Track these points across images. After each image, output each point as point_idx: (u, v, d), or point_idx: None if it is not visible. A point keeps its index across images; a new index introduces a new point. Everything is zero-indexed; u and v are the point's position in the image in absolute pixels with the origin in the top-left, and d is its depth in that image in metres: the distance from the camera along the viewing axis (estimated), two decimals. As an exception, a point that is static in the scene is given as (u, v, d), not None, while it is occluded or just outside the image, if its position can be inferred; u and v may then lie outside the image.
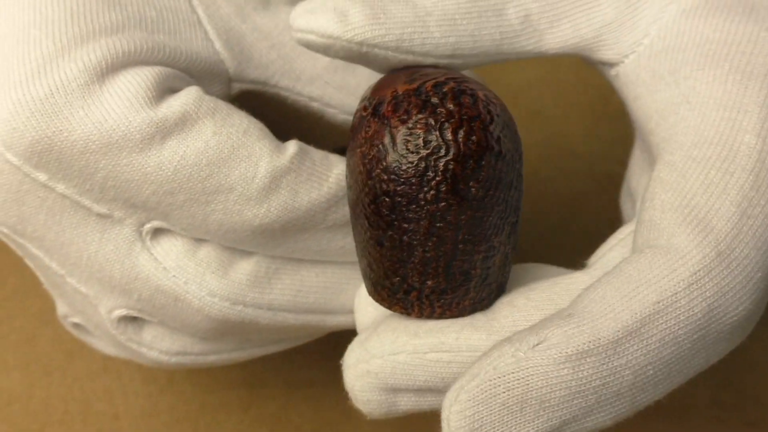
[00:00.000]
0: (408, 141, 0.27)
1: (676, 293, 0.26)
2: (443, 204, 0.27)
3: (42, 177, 0.29)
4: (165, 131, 0.29)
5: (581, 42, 0.30)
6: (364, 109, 0.28)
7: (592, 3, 0.30)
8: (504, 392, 0.25)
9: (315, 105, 0.35)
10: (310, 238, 0.31)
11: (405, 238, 0.27)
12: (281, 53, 0.34)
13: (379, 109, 0.28)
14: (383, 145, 0.27)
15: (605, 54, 0.30)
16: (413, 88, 0.27)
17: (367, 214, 0.28)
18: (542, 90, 0.48)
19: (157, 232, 0.31)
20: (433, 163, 0.27)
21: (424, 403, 0.29)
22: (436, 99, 0.27)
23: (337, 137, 0.36)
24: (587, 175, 0.47)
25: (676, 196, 0.27)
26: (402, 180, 0.27)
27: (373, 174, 0.27)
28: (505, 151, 0.27)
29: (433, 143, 0.27)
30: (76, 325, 0.35)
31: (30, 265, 0.33)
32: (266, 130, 0.31)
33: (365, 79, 0.35)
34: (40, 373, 0.40)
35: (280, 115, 0.36)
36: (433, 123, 0.27)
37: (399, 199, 0.27)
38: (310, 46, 0.29)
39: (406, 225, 0.27)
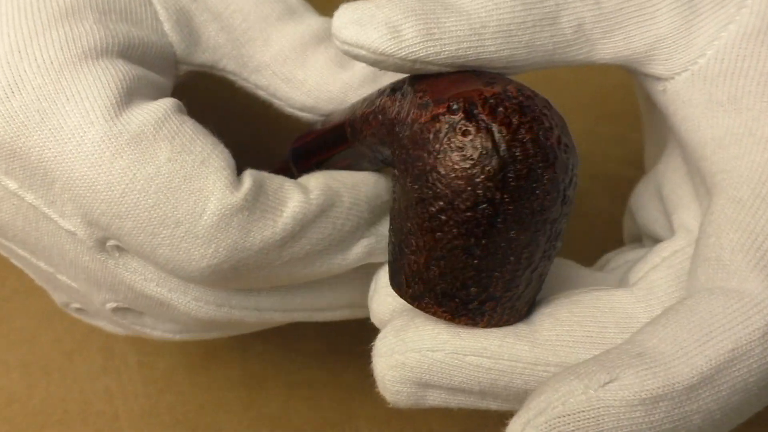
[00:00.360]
0: (515, 146, 0.26)
1: (750, 342, 0.26)
2: (551, 213, 0.27)
3: (12, 185, 0.28)
4: (118, 148, 0.27)
5: (632, 55, 0.29)
6: (448, 110, 0.26)
7: (647, 15, 0.29)
8: (573, 431, 0.25)
9: (261, 93, 0.34)
10: (268, 275, 0.30)
11: (503, 245, 0.26)
12: (231, 37, 0.33)
13: (473, 112, 0.26)
14: (488, 151, 0.26)
15: (655, 69, 0.29)
16: (499, 92, 0.26)
17: (458, 221, 0.26)
18: (542, 90, 0.48)
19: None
20: (540, 171, 0.26)
21: (454, 401, 0.29)
22: (527, 103, 0.26)
23: (291, 125, 0.35)
24: (587, 175, 0.47)
25: (746, 237, 0.27)
26: (510, 187, 0.26)
27: (476, 180, 0.26)
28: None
29: (540, 149, 0.26)
30: (79, 310, 0.35)
31: (18, 264, 0.33)
32: (229, 160, 0.29)
33: (315, 75, 0.33)
34: (40, 373, 0.40)
35: (232, 97, 0.35)
36: (536, 129, 0.26)
37: (505, 207, 0.26)
38: (357, 58, 0.28)
39: (510, 234, 0.26)
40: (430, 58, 0.27)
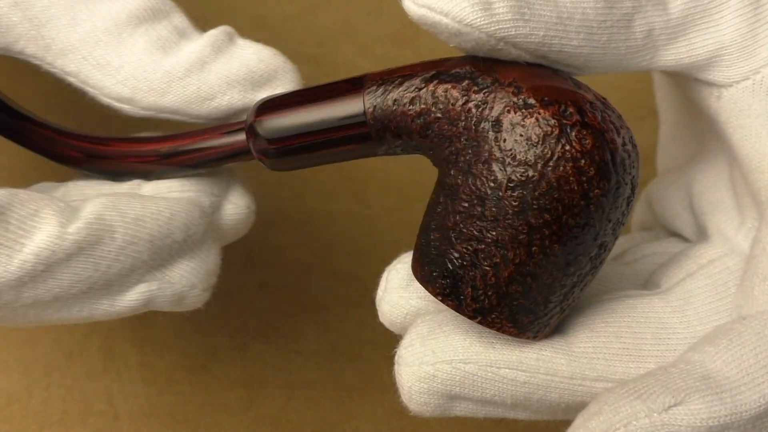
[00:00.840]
0: (624, 160, 0.25)
1: None
2: (623, 226, 0.26)
3: None
4: None
5: (694, 62, 0.28)
6: (561, 115, 0.25)
7: (711, 23, 0.28)
8: None
9: (71, 80, 0.30)
10: (8, 316, 0.27)
11: (588, 260, 0.26)
12: (28, 15, 0.29)
13: (585, 120, 0.25)
14: (605, 164, 0.25)
15: (714, 75, 0.28)
16: (594, 99, 0.25)
17: (561, 237, 0.25)
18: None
19: None
20: (631, 183, 0.26)
21: (482, 411, 0.28)
22: (617, 112, 0.26)
23: (111, 115, 0.32)
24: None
25: None
26: (617, 204, 0.25)
27: (590, 195, 0.25)
28: None
29: (636, 162, 0.25)
30: None
31: None
32: None
33: (132, 61, 0.30)
34: (40, 374, 0.40)
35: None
36: (632, 141, 0.25)
37: (605, 223, 0.25)
38: (432, 27, 0.26)
39: (594, 249, 0.26)
40: (518, 39, 0.26)
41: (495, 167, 0.25)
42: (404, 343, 0.28)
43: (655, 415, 0.24)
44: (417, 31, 0.55)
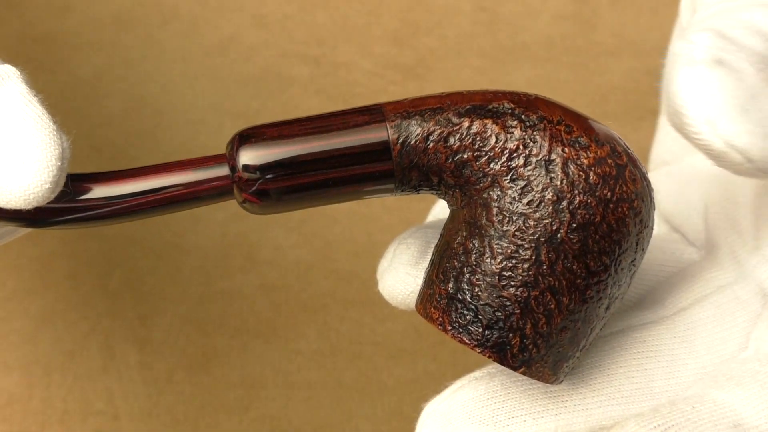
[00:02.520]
0: (651, 198, 0.25)
1: None
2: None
3: None
4: None
5: None
6: (613, 154, 0.24)
7: None
8: None
9: None
10: None
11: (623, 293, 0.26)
12: None
13: (631, 158, 0.24)
14: (647, 202, 0.24)
15: None
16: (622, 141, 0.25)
17: (612, 280, 0.24)
18: (543, 90, 0.48)
19: None
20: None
21: None
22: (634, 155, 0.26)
23: None
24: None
25: None
26: (647, 242, 0.25)
27: (640, 236, 0.24)
28: None
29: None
30: None
31: None
32: None
33: None
34: (40, 374, 0.40)
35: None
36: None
37: (639, 262, 0.25)
38: (724, 163, 0.23)
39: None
40: None
41: (551, 209, 0.24)
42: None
43: None
44: (417, 31, 0.55)
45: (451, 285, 0.25)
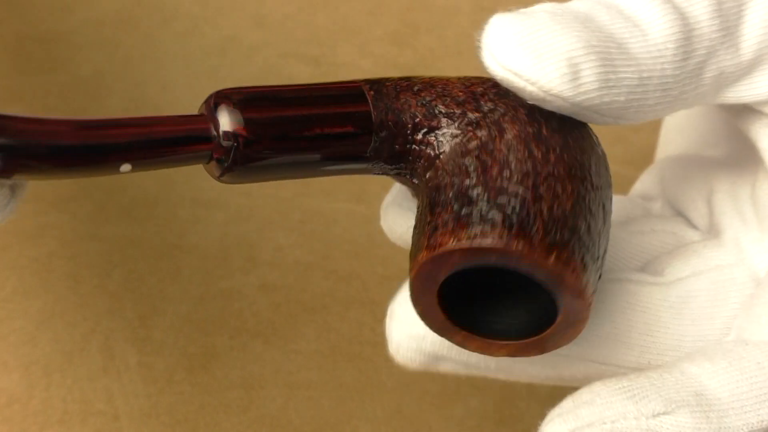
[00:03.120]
0: None
1: None
2: None
3: None
4: None
5: (754, 100, 0.28)
6: None
7: None
8: None
9: None
10: None
11: (609, 216, 0.27)
12: None
13: None
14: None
15: None
16: None
17: (599, 170, 0.26)
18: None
19: None
20: None
21: (465, 371, 0.29)
22: None
23: None
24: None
25: None
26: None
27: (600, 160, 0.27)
28: None
29: None
30: None
31: None
32: None
33: None
34: (40, 374, 0.40)
35: None
36: None
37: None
38: (515, 90, 0.25)
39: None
40: (601, 108, 0.25)
41: (528, 117, 0.26)
42: (399, 299, 0.28)
43: (643, 419, 0.25)
44: (417, 31, 0.55)
45: (455, 206, 0.25)
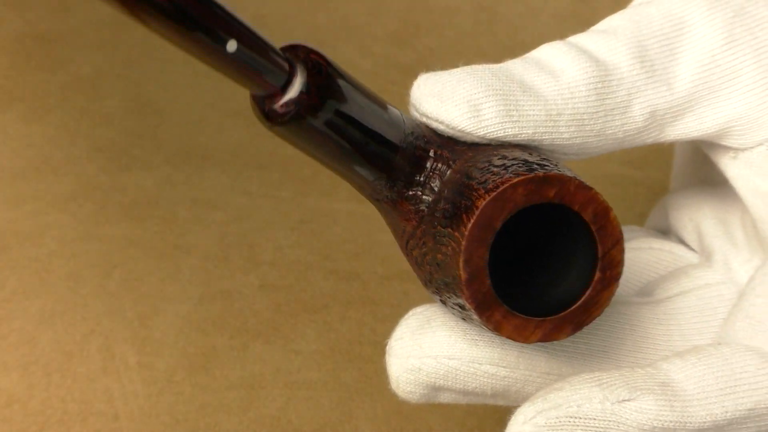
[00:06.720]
0: None
1: None
2: None
3: None
4: None
5: (703, 135, 0.30)
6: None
7: (721, 98, 0.29)
8: None
9: None
10: None
11: None
12: None
13: None
14: None
15: (727, 142, 0.30)
16: None
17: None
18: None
19: None
20: None
21: (464, 400, 0.30)
22: None
23: None
24: (587, 174, 0.46)
25: None
26: None
27: None
28: None
29: None
30: None
31: None
32: None
33: None
34: (40, 374, 0.40)
35: None
36: None
37: None
38: (436, 130, 0.28)
39: None
40: (507, 139, 0.28)
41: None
42: (395, 335, 0.29)
43: (608, 403, 0.26)
44: (417, 31, 0.55)
45: (497, 166, 0.27)
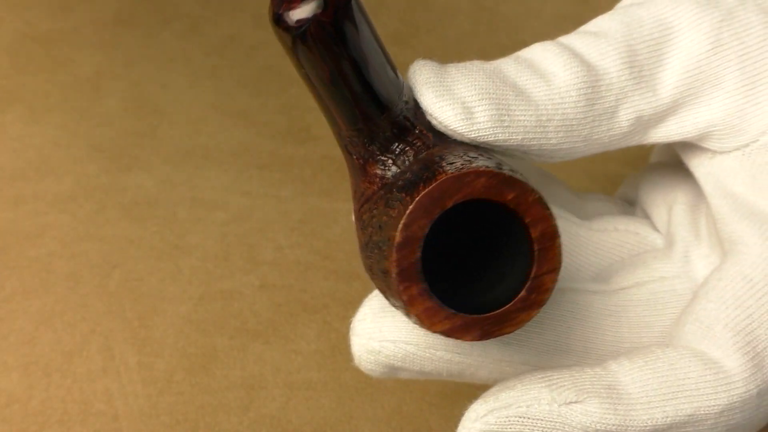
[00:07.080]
0: None
1: (708, 413, 0.28)
2: None
3: None
4: None
5: (683, 138, 0.30)
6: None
7: (702, 104, 0.30)
8: None
9: None
10: None
11: None
12: None
13: None
14: None
15: (706, 144, 0.30)
16: None
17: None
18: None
19: None
20: None
21: (422, 378, 0.31)
22: None
23: None
24: (585, 174, 0.46)
25: (743, 318, 0.28)
26: None
27: None
28: None
29: None
30: None
31: None
32: None
33: None
34: (40, 374, 0.40)
35: None
36: None
37: None
38: (430, 121, 0.29)
39: None
40: (498, 144, 0.28)
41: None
42: (358, 315, 0.30)
43: (555, 405, 0.27)
44: (417, 31, 0.55)
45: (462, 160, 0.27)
